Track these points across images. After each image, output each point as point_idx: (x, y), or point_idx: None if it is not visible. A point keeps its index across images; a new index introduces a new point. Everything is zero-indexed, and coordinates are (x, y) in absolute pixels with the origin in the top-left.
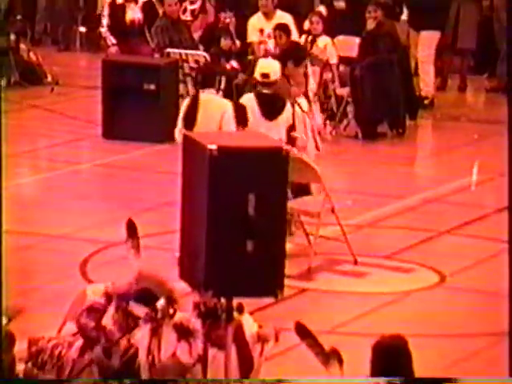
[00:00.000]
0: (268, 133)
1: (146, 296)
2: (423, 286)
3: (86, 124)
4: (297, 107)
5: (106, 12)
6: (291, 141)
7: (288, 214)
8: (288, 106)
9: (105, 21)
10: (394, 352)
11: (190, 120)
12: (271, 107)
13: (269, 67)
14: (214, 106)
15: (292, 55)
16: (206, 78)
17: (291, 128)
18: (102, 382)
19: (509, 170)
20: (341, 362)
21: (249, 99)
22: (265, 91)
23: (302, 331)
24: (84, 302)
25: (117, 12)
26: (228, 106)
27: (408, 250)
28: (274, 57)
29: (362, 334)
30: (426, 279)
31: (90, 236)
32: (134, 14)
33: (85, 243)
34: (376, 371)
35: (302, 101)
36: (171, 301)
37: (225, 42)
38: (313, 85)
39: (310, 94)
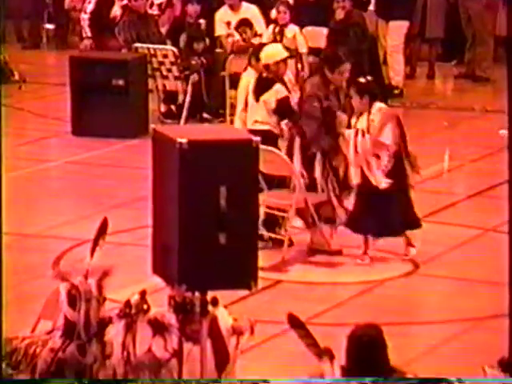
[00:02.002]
0: (254, 112)
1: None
2: (397, 274)
3: (55, 121)
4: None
5: (92, 1)
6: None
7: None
8: (276, 87)
9: (89, 8)
10: (369, 341)
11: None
12: (260, 89)
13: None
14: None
15: None
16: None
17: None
18: (77, 382)
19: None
20: (332, 359)
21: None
22: (264, 74)
23: (294, 322)
24: (58, 300)
25: (104, 5)
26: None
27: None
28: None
29: (337, 324)
30: (399, 268)
31: (62, 234)
32: (117, 10)
33: (57, 241)
34: (351, 361)
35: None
36: (145, 296)
37: (198, 46)
38: (290, 75)
39: (289, 85)
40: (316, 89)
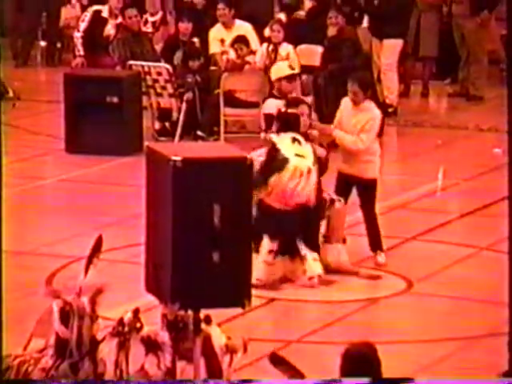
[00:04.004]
0: None
1: None
2: (390, 292)
3: (49, 139)
4: None
5: (87, 18)
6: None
7: None
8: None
9: (82, 26)
10: (364, 359)
11: None
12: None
13: None
14: None
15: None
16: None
17: None
18: None
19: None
20: None
21: None
22: None
23: (275, 360)
24: (51, 317)
25: (98, 24)
26: None
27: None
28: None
29: (330, 342)
30: (393, 286)
31: (56, 251)
32: (110, 29)
33: (50, 259)
34: (345, 377)
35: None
36: (138, 314)
37: (193, 64)
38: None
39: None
40: None
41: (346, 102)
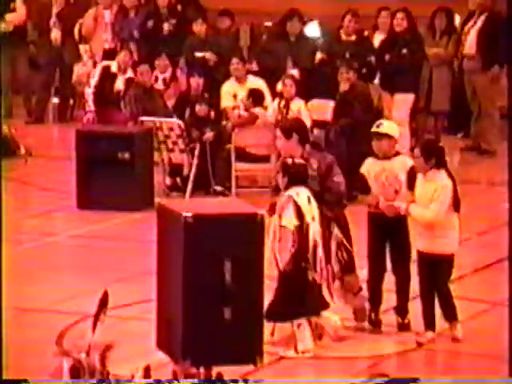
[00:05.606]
0: None
1: None
2: (402, 349)
3: (60, 195)
4: None
5: (96, 74)
6: None
7: None
8: None
9: (93, 82)
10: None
11: None
12: None
13: None
14: None
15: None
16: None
17: None
18: None
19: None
20: None
21: None
22: None
23: None
24: (61, 375)
25: (107, 79)
26: None
27: (386, 312)
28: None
29: None
30: (404, 342)
31: (66, 308)
32: (120, 84)
33: (61, 316)
34: None
35: None
36: (149, 371)
37: (200, 108)
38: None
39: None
40: None
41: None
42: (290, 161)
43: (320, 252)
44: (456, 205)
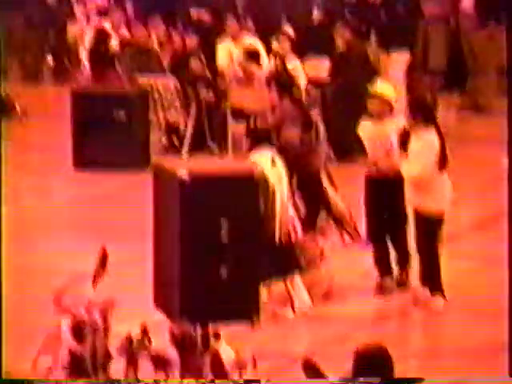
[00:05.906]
0: None
1: None
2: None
3: (56, 155)
4: None
5: (90, 35)
6: None
7: None
8: None
9: (87, 42)
10: (376, 353)
11: None
12: None
13: None
14: None
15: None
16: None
17: None
18: None
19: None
20: None
21: None
22: None
23: (307, 365)
24: (59, 335)
25: (101, 39)
26: None
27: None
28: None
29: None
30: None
31: (63, 268)
32: (115, 44)
33: (58, 275)
34: (357, 367)
35: None
36: (146, 330)
37: (195, 65)
38: None
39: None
40: None
41: None
42: (252, 123)
43: (291, 211)
44: (442, 162)
